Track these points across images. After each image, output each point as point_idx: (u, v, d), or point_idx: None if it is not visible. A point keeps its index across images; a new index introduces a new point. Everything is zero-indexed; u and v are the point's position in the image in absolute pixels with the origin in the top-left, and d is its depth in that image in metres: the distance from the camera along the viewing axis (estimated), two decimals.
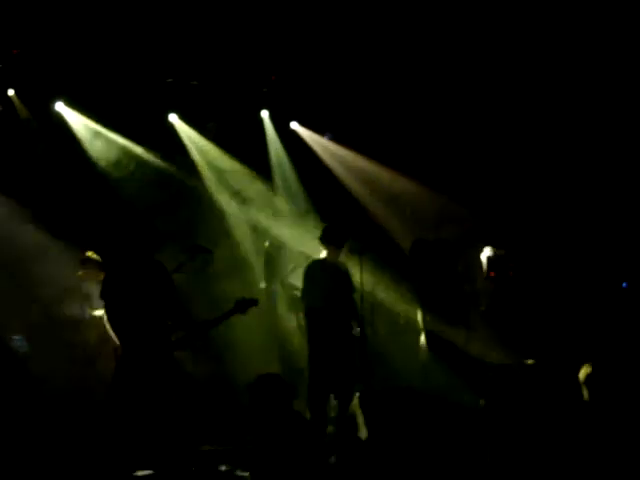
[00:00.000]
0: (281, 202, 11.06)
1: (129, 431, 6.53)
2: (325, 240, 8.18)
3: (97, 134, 10.25)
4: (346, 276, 8.26)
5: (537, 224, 10.42)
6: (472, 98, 10.41)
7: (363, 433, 6.77)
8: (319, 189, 11.02)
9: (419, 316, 8.60)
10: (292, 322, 9.73)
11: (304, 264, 8.55)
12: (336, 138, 11.23)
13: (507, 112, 10.45)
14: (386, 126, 10.77)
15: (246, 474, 6.69)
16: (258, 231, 10.66)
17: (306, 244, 10.03)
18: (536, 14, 8.94)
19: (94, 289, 8.14)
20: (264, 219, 10.76)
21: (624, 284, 10.02)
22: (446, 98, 10.47)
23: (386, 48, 9.64)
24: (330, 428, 8.00)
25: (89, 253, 8.91)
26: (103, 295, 6.81)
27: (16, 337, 8.73)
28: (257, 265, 10.45)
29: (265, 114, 11.08)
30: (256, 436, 5.27)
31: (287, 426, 5.19)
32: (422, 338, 8.59)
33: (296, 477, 5.05)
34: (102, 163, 10.26)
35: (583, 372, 5.70)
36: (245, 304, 7.04)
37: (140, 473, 6.62)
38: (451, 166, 10.71)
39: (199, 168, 10.87)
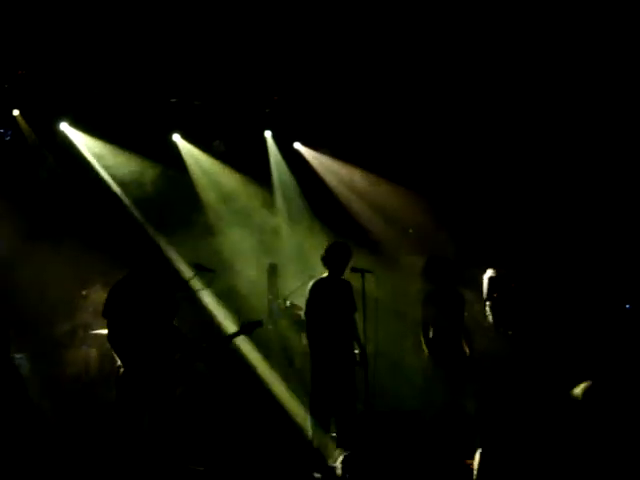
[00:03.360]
0: (284, 221, 11.08)
1: (130, 448, 6.54)
2: (328, 259, 8.18)
3: (101, 153, 10.30)
4: (349, 295, 8.24)
5: (539, 243, 10.41)
6: (474, 114, 10.44)
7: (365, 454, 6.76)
8: (322, 207, 11.04)
9: (422, 333, 8.61)
10: (295, 341, 9.72)
11: (307, 283, 8.55)
12: (339, 156, 11.27)
13: (508, 129, 10.47)
14: (389, 144, 10.80)
15: None
16: (261, 250, 10.67)
17: (309, 263, 10.04)
18: (528, 18, 8.96)
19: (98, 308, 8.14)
20: (267, 238, 10.78)
21: (627, 306, 10.00)
22: (448, 115, 10.51)
23: (386, 66, 9.69)
24: (332, 446, 7.97)
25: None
26: (105, 314, 6.83)
27: (18, 355, 8.73)
28: (260, 285, 10.44)
29: (268, 134, 11.12)
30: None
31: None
32: (425, 355, 8.60)
33: None
34: (106, 182, 10.30)
35: (581, 388, 5.73)
36: (250, 326, 7.08)
37: None
38: (453, 183, 10.73)
39: (202, 187, 10.90)
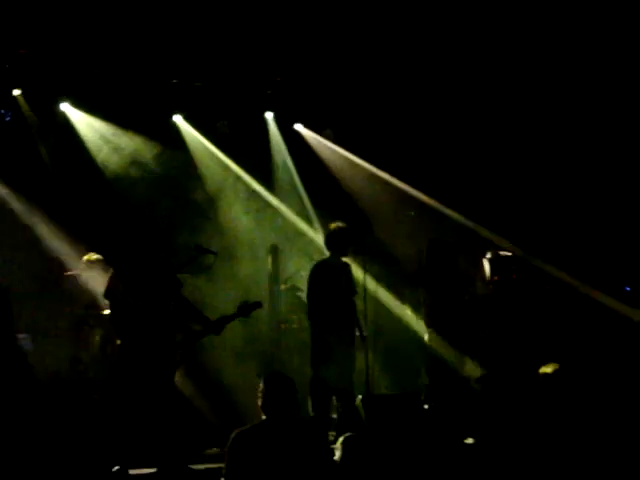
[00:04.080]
0: (284, 204, 11.07)
1: (129, 429, 6.58)
2: (329, 242, 8.20)
3: (102, 135, 10.27)
4: (350, 278, 8.27)
5: (540, 226, 10.42)
6: (474, 100, 10.42)
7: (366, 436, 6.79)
8: (322, 191, 11.03)
9: (423, 316, 8.65)
10: (295, 324, 9.75)
11: (308, 265, 8.57)
12: (339, 140, 11.25)
13: (512, 115, 10.46)
14: (391, 128, 10.78)
15: None
16: (261, 233, 10.67)
17: (310, 245, 10.06)
18: (535, 16, 8.96)
19: (99, 289, 8.15)
20: (268, 221, 10.79)
21: (627, 288, 10.02)
22: (449, 101, 10.48)
23: (390, 49, 9.66)
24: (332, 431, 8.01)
25: (93, 256, 8.89)
26: (107, 295, 6.87)
27: (21, 335, 8.75)
28: (261, 267, 10.45)
29: (269, 115, 11.10)
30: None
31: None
32: (426, 337, 8.65)
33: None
34: (107, 164, 10.28)
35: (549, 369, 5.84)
36: (249, 307, 7.09)
37: (139, 472, 6.68)
38: (455, 169, 10.72)
39: (202, 168, 10.88)
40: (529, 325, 9.36)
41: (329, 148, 11.26)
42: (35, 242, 9.45)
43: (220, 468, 5.32)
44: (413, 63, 9.86)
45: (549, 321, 9.45)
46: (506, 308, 9.59)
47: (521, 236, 10.35)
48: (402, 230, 10.73)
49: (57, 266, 9.26)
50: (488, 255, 10.03)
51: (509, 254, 10.00)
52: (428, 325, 8.63)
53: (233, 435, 5.17)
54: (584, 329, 9.34)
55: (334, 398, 8.01)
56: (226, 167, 10.90)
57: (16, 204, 9.53)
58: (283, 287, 10.05)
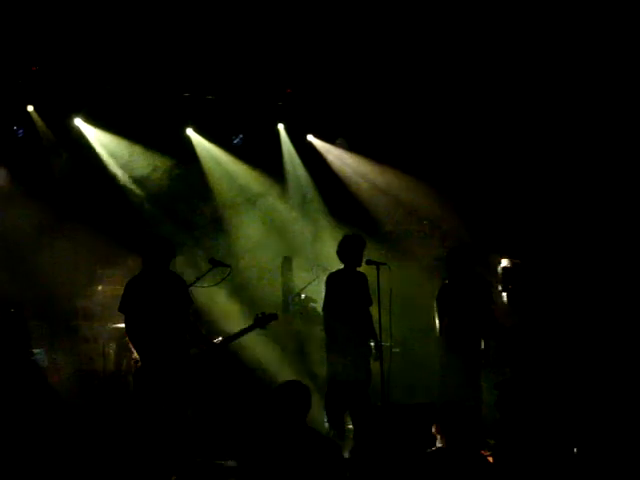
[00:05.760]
0: (297, 214, 11.08)
1: (146, 442, 6.59)
2: (342, 252, 8.18)
3: (115, 149, 10.32)
4: (365, 287, 8.25)
5: (553, 233, 10.37)
6: (489, 106, 10.39)
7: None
8: (336, 200, 11.04)
9: (437, 324, 8.61)
10: (310, 334, 9.73)
11: (322, 276, 8.55)
12: (352, 148, 11.26)
13: (524, 121, 10.41)
14: (403, 136, 10.77)
15: None
16: (275, 243, 10.68)
17: (323, 256, 10.05)
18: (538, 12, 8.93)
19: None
20: (281, 231, 10.79)
21: None
22: (463, 105, 10.45)
23: (400, 59, 9.66)
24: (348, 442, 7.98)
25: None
26: (122, 309, 6.89)
27: (36, 350, 8.79)
28: (275, 278, 10.46)
29: (281, 127, 11.12)
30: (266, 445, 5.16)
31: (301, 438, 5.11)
32: (441, 345, 8.60)
33: None
34: (120, 178, 10.32)
35: None
36: (265, 319, 7.10)
37: None
38: (471, 174, 10.68)
39: (215, 181, 10.91)
40: (546, 332, 9.29)
41: (341, 157, 11.28)
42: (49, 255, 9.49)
43: None
44: (423, 70, 9.84)
45: (565, 327, 9.38)
46: (522, 316, 9.54)
47: (535, 243, 10.31)
48: (416, 237, 10.72)
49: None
50: (502, 263, 9.99)
51: (522, 262, 9.95)
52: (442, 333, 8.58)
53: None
54: (600, 334, 9.26)
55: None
56: (239, 178, 10.93)
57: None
58: (297, 299, 10.04)
